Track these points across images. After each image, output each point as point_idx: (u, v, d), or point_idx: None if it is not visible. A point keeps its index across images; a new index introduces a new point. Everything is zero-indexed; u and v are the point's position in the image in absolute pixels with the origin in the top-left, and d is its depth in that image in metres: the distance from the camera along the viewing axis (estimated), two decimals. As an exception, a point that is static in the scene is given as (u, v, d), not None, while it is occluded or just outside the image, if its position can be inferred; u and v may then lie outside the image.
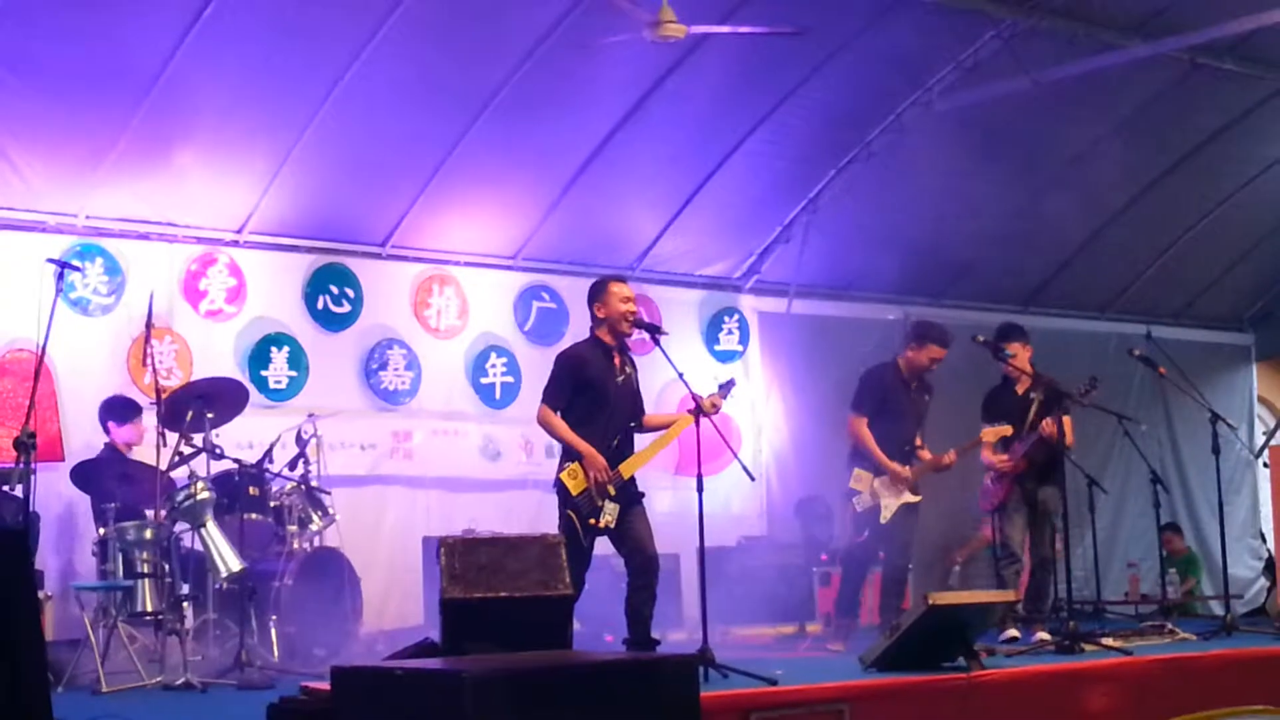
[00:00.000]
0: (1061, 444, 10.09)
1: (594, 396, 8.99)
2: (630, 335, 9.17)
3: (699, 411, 8.67)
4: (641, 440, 9.26)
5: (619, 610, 9.16)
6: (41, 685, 5.33)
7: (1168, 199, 15.11)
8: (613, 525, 8.80)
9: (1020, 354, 10.89)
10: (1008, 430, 10.72)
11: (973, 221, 14.26)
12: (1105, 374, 13.20)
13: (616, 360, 9.08)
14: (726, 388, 9.43)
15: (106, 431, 10.29)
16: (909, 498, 10.60)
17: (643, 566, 8.89)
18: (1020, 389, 10.95)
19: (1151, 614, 12.41)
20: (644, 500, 9.08)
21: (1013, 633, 10.33)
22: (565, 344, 12.02)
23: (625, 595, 8.93)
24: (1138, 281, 16.25)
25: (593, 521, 8.77)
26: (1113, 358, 13.81)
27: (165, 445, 9.38)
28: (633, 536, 8.89)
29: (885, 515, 10.57)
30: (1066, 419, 10.57)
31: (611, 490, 8.80)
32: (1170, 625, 10.80)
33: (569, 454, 8.91)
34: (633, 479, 9.04)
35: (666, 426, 9.31)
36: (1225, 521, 11.90)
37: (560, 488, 8.87)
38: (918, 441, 10.82)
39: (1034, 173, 14.23)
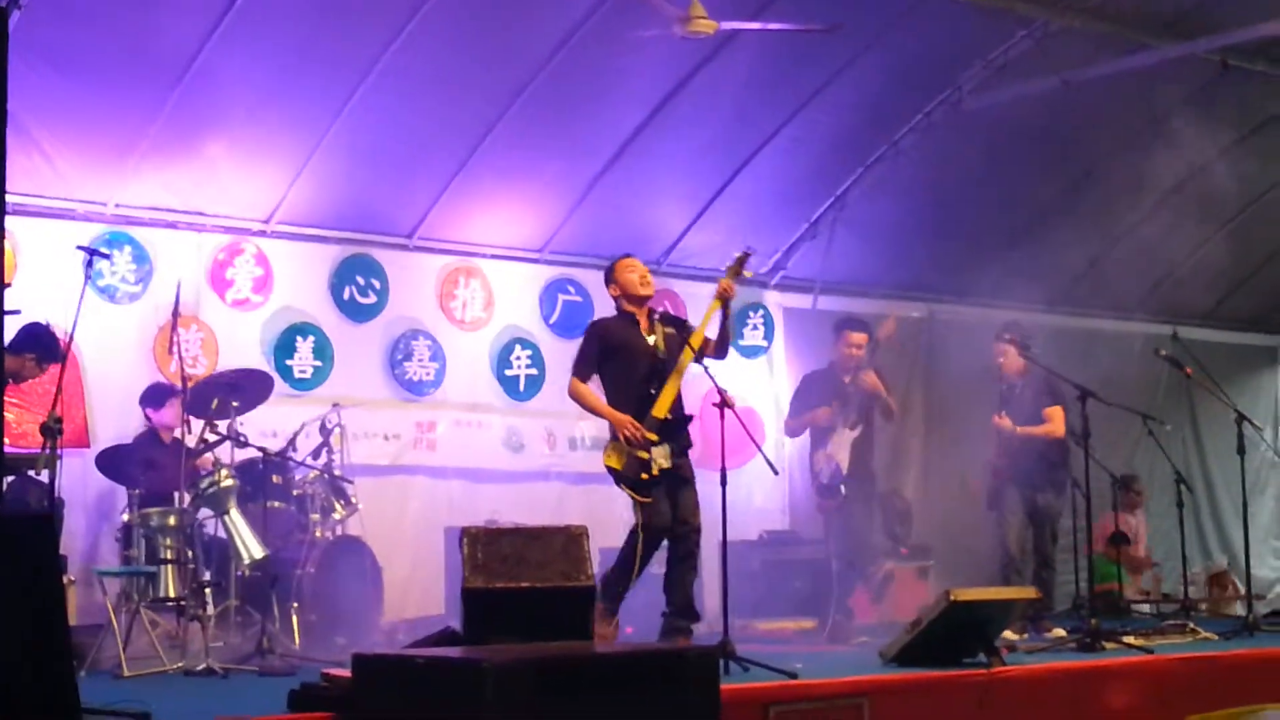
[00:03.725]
0: (1085, 439, 10.14)
1: (622, 359, 9.25)
2: (650, 296, 9.40)
3: (723, 405, 8.70)
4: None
5: (640, 602, 9.20)
6: (67, 668, 5.37)
7: (1196, 200, 15.06)
8: (668, 465, 8.98)
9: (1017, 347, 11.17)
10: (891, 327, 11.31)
11: (1000, 220, 14.25)
12: (1131, 373, 13.25)
13: (643, 324, 9.32)
14: (743, 260, 9.57)
15: (147, 418, 10.42)
16: (848, 434, 10.89)
17: (684, 535, 9.03)
18: (1012, 385, 11.16)
19: (1174, 612, 12.38)
20: (691, 471, 9.25)
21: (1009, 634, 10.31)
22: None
23: (665, 569, 9.06)
24: (1165, 282, 16.20)
25: (645, 476, 8.96)
26: (1139, 357, 13.78)
27: (190, 432, 9.43)
28: (677, 504, 9.08)
29: (845, 467, 10.85)
30: (1056, 409, 10.78)
31: (653, 436, 8.98)
32: (1192, 624, 10.79)
33: (610, 433, 9.17)
34: (679, 420, 9.18)
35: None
36: (1249, 522, 11.89)
37: (610, 471, 9.08)
38: None
39: (1063, 172, 14.21)
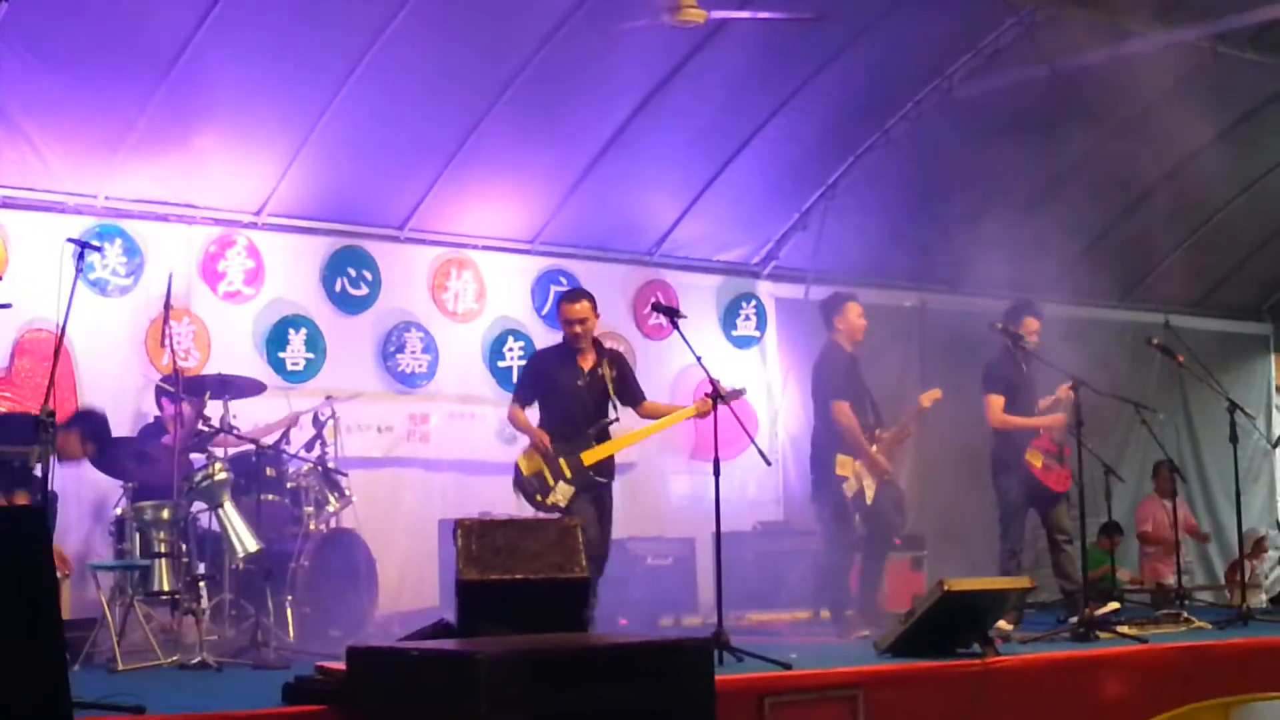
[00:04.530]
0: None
1: (554, 396, 9.83)
2: (579, 349, 9.88)
3: (716, 396, 8.72)
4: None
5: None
6: (59, 663, 5.36)
7: (1187, 188, 15.06)
8: (562, 505, 9.45)
9: (1032, 327, 11.02)
10: (938, 394, 10.98)
11: (991, 209, 14.24)
12: (1123, 362, 13.27)
13: (580, 361, 9.81)
14: (732, 394, 9.76)
15: (161, 408, 10.42)
16: (885, 476, 10.67)
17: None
18: (1026, 365, 11.03)
19: (1167, 601, 12.39)
20: (609, 499, 9.72)
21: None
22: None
23: None
24: (1157, 270, 16.22)
25: (539, 498, 9.51)
26: (1131, 346, 13.81)
27: (183, 426, 9.42)
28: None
29: (869, 497, 10.59)
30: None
31: (567, 473, 9.48)
32: (1185, 614, 10.80)
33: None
34: (604, 475, 9.64)
35: (666, 414, 10.08)
36: (1242, 511, 11.89)
37: (515, 469, 9.71)
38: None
39: (1053, 160, 14.20)
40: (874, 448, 10.62)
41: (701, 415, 9.59)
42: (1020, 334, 10.96)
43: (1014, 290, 13.86)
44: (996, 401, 11.03)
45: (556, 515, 9.37)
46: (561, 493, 9.49)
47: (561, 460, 9.59)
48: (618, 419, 9.90)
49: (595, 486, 9.62)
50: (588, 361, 9.85)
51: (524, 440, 12.06)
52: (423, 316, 12.37)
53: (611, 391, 9.83)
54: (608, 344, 12.42)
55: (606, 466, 9.75)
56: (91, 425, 9.43)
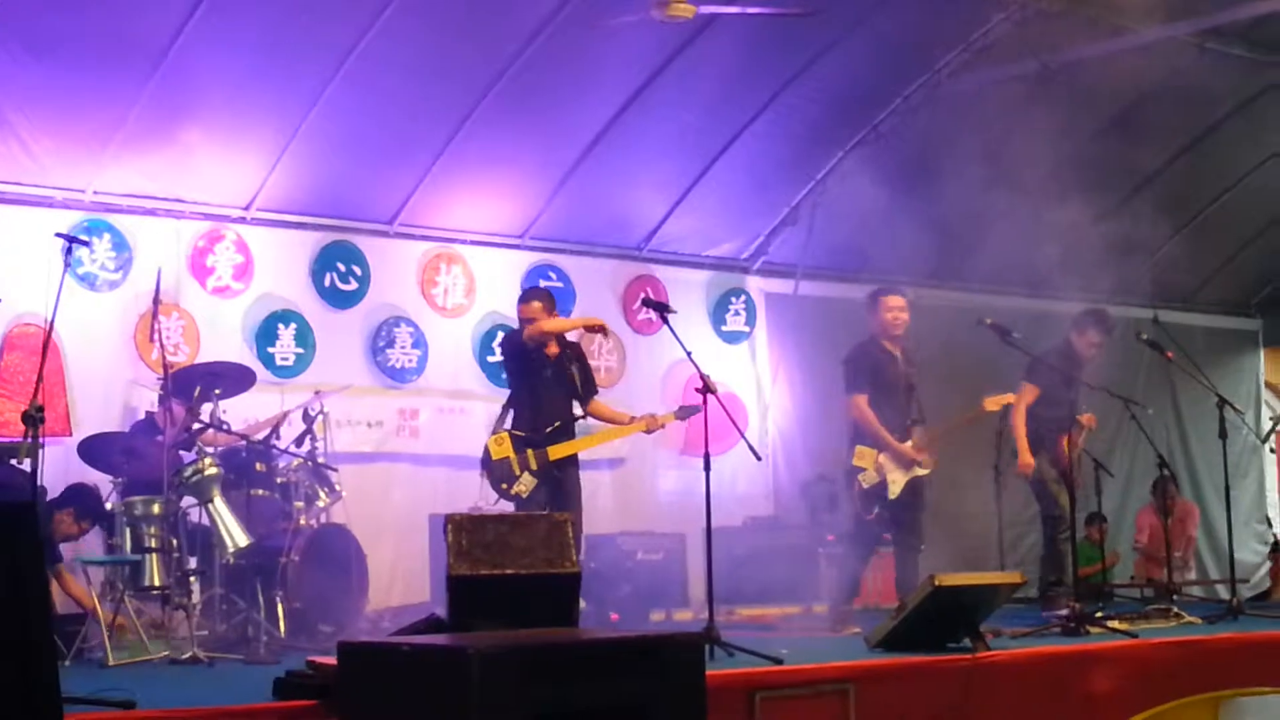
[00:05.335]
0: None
1: (523, 383, 10.17)
2: (534, 338, 10.16)
3: (706, 391, 8.71)
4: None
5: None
6: (49, 659, 5.34)
7: (1176, 183, 15.08)
8: (524, 496, 9.73)
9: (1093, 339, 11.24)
10: (1010, 398, 10.93)
11: (980, 204, 14.24)
12: (1112, 357, 13.27)
13: (546, 351, 10.09)
14: (685, 412, 10.36)
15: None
16: (918, 471, 10.54)
17: None
18: (1075, 372, 11.03)
19: (1157, 597, 12.41)
20: (571, 482, 9.95)
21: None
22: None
23: None
24: (1146, 265, 16.20)
25: (504, 486, 9.78)
26: (1120, 341, 13.82)
27: (173, 422, 9.39)
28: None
29: (894, 491, 10.48)
30: None
31: (533, 464, 9.75)
32: (1176, 608, 10.79)
33: (500, 425, 10.06)
34: (569, 471, 9.87)
35: (611, 421, 10.40)
36: (1231, 506, 11.88)
37: (484, 450, 9.94)
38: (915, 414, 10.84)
39: (1042, 156, 14.18)
40: (909, 442, 10.54)
41: (647, 431, 10.24)
42: (1008, 329, 10.91)
43: (1004, 285, 13.88)
44: (1027, 391, 11.16)
45: (514, 502, 9.79)
46: (525, 484, 9.75)
47: (530, 451, 9.84)
48: (584, 416, 10.22)
49: (554, 479, 9.85)
50: (549, 351, 10.13)
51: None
52: (412, 311, 12.36)
53: (577, 382, 10.16)
54: (596, 341, 12.49)
55: (571, 463, 10.04)
56: (84, 503, 9.54)
